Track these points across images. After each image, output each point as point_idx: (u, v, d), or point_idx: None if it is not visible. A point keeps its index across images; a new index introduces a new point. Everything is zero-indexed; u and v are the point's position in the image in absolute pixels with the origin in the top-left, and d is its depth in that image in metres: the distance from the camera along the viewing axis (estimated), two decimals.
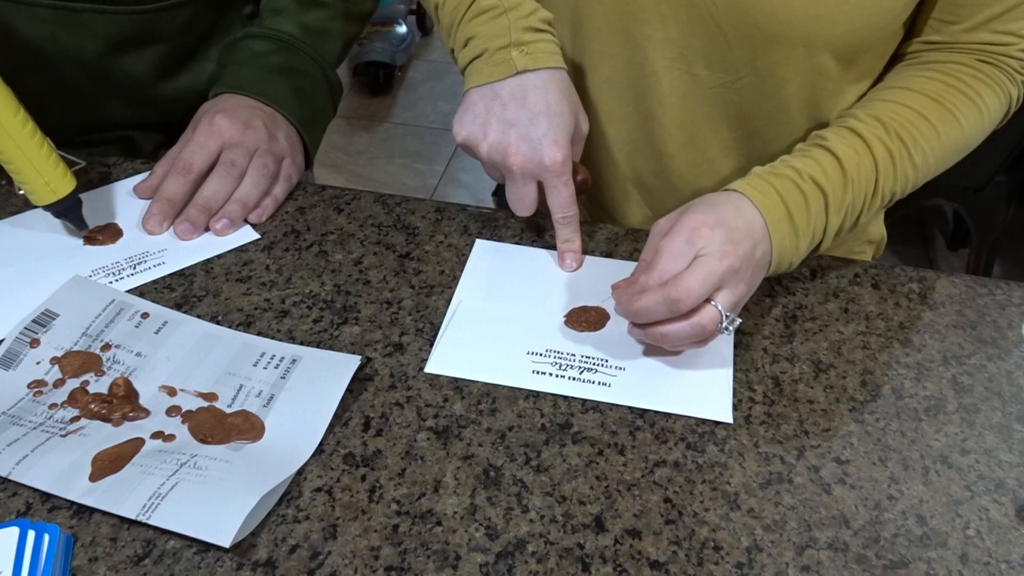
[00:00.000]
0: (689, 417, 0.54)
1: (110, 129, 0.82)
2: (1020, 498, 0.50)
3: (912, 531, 0.48)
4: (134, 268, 0.64)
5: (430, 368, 0.56)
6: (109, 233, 0.67)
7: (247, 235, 0.68)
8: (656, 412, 0.54)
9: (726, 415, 0.54)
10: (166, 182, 0.68)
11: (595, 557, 0.46)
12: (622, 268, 0.64)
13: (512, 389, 0.55)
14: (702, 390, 0.55)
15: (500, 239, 0.68)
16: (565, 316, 0.61)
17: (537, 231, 0.69)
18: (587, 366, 0.57)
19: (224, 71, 0.76)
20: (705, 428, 0.53)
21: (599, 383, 0.56)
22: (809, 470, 0.51)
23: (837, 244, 0.70)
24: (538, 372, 0.56)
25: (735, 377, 0.56)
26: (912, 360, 0.58)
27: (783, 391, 0.56)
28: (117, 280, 0.63)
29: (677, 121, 0.69)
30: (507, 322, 0.60)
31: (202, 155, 0.68)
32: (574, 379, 0.56)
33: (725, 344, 0.58)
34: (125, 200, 0.71)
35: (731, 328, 0.53)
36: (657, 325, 0.54)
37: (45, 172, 0.61)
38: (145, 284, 0.63)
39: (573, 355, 0.58)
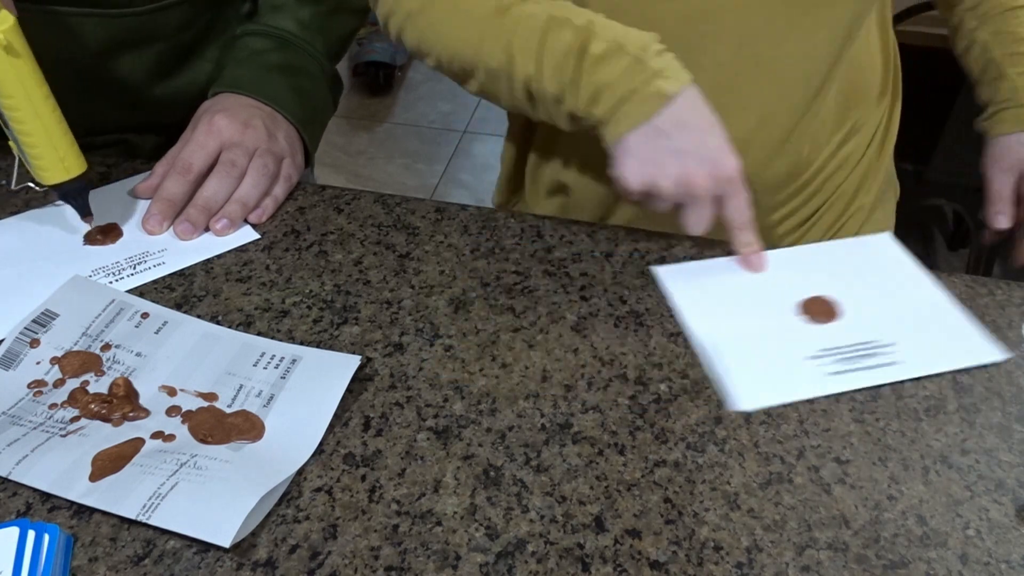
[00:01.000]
0: (691, 415, 0.54)
1: (107, 132, 0.81)
2: (1020, 498, 0.50)
3: (912, 531, 0.48)
4: (134, 268, 0.64)
5: (745, 406, 0.54)
6: (109, 233, 0.67)
7: (247, 235, 0.68)
8: (656, 412, 0.54)
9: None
10: (166, 182, 0.68)
11: (595, 557, 0.46)
12: (798, 255, 0.66)
13: (512, 388, 0.55)
14: (961, 339, 0.59)
15: (499, 240, 0.68)
16: (802, 312, 0.61)
17: (537, 233, 0.69)
18: (863, 352, 0.58)
19: (223, 70, 0.76)
20: (705, 428, 0.53)
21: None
22: (809, 470, 0.51)
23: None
24: (835, 373, 0.56)
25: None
26: None
27: None
28: (117, 280, 0.63)
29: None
30: (760, 336, 0.59)
31: (202, 155, 0.68)
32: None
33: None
34: (125, 200, 0.71)
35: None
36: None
37: (61, 148, 0.61)
38: (145, 284, 0.63)
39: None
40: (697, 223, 0.62)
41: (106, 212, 0.69)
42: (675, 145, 0.59)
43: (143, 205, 0.70)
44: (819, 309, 0.61)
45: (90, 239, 0.67)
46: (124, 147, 0.83)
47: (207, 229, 0.68)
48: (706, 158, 0.59)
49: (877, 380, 0.56)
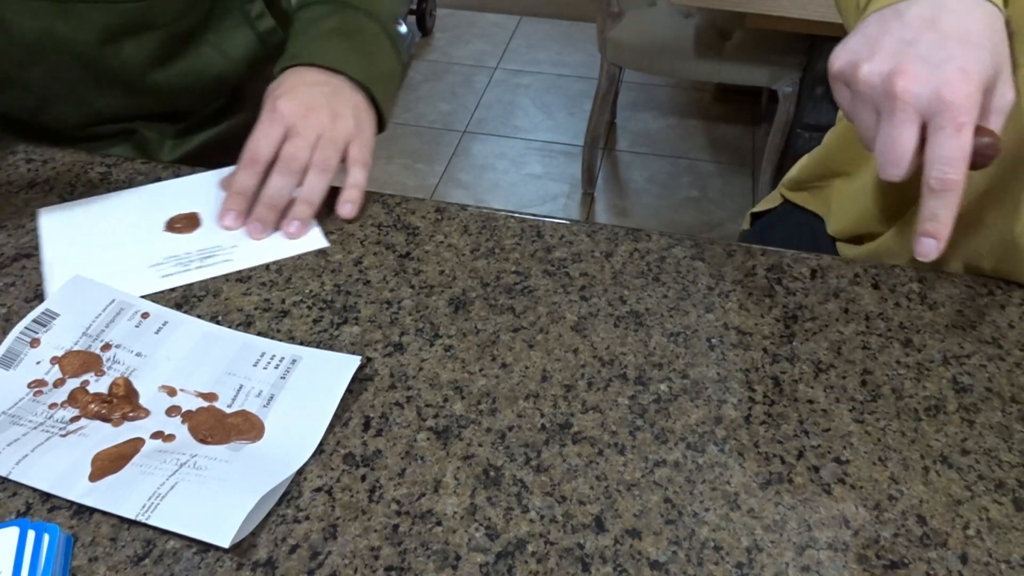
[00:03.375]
0: (691, 415, 0.54)
1: (113, 121, 0.81)
2: (1020, 498, 0.50)
3: (912, 531, 0.48)
4: (202, 261, 0.64)
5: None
6: (189, 222, 0.68)
7: (317, 242, 0.67)
8: (656, 411, 0.54)
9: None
10: (236, 175, 0.67)
11: (595, 557, 0.46)
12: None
13: (512, 388, 0.55)
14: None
15: (499, 240, 0.68)
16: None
17: (537, 233, 0.69)
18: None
19: (287, 46, 0.75)
20: (705, 428, 0.53)
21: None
22: (809, 470, 0.51)
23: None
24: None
25: (736, 377, 0.57)
26: (912, 360, 0.58)
27: (783, 391, 0.56)
28: (184, 270, 0.63)
29: None
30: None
31: (267, 144, 0.67)
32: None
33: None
34: (213, 191, 0.71)
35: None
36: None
37: None
38: (209, 279, 0.63)
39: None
40: (887, 149, 0.47)
41: (192, 201, 0.70)
42: (906, 35, 0.47)
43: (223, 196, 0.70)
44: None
45: (171, 225, 0.67)
46: (132, 137, 0.82)
47: (277, 227, 0.67)
48: (930, 61, 0.46)
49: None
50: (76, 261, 0.64)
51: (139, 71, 0.77)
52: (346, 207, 0.69)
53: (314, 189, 0.67)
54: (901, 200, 0.69)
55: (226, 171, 0.72)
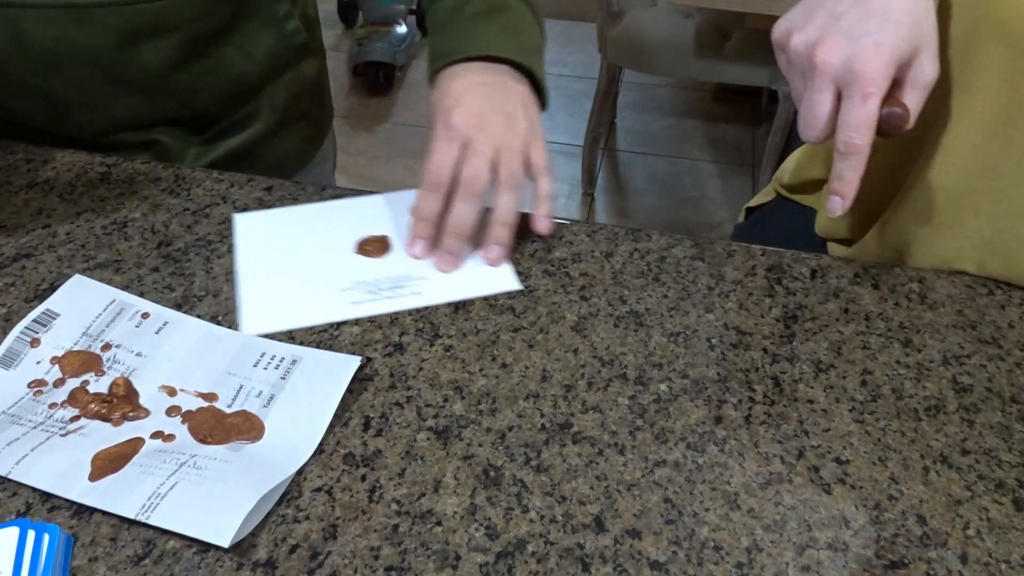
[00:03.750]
0: (691, 415, 0.54)
1: (135, 128, 0.80)
2: (1020, 498, 0.50)
3: (912, 531, 0.48)
4: (392, 291, 0.62)
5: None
6: (380, 246, 0.66)
7: (509, 283, 0.63)
8: (656, 411, 0.54)
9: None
10: (420, 200, 0.64)
11: (595, 557, 0.46)
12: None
13: (512, 388, 0.55)
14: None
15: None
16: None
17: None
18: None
19: (430, 45, 0.73)
20: (705, 428, 0.53)
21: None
22: (809, 470, 0.51)
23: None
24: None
25: (736, 377, 0.56)
26: (912, 360, 0.58)
27: (783, 391, 0.56)
28: (374, 299, 0.61)
29: None
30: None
31: (447, 164, 0.63)
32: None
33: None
34: (404, 212, 0.68)
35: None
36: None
37: None
38: (399, 312, 0.60)
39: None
40: (805, 113, 0.53)
41: (383, 222, 0.68)
42: (837, 10, 0.53)
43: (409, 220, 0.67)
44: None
45: (362, 247, 0.65)
46: (156, 149, 0.81)
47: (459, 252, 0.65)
48: (850, 34, 0.51)
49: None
50: (268, 273, 0.63)
51: (158, 74, 0.76)
52: (544, 222, 0.66)
53: (508, 210, 0.64)
54: (880, 203, 0.72)
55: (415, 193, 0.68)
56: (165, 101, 0.79)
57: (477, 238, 0.65)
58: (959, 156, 0.63)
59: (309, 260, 0.65)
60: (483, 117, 0.64)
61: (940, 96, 0.63)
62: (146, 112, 0.79)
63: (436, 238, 0.65)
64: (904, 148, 0.69)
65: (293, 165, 0.91)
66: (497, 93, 0.67)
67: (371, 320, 0.60)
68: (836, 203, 0.54)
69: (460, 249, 0.64)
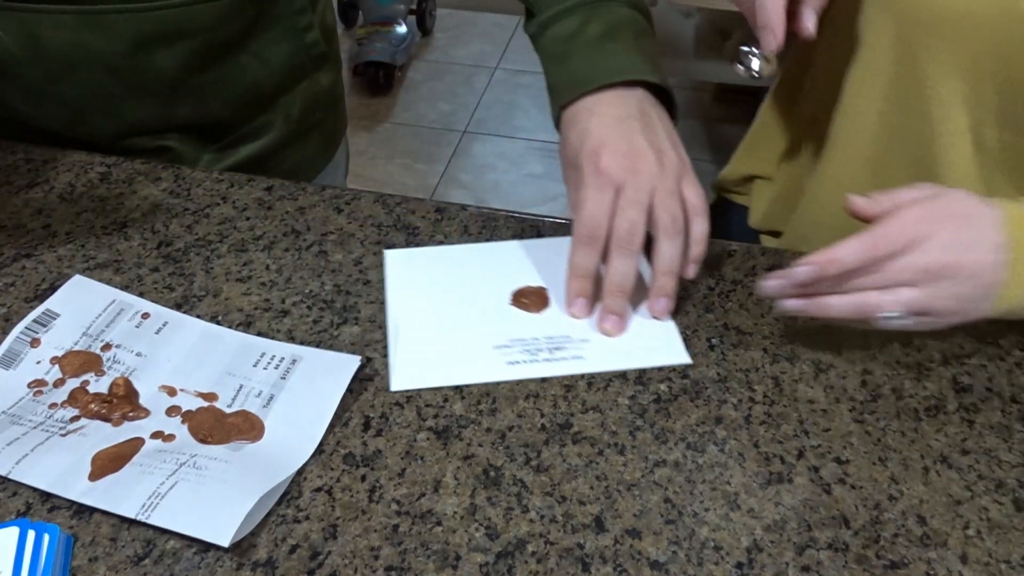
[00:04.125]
0: (691, 415, 0.54)
1: (149, 133, 0.80)
2: (1020, 498, 0.50)
3: (912, 531, 0.48)
4: (551, 352, 0.57)
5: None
6: (537, 299, 0.62)
7: (678, 355, 0.58)
8: (656, 411, 0.54)
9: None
10: (575, 254, 0.60)
11: (595, 557, 0.46)
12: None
13: (512, 388, 0.55)
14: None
15: (499, 239, 0.68)
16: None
17: (537, 233, 0.69)
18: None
19: (550, 79, 0.67)
20: (705, 428, 0.53)
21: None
22: (809, 470, 0.51)
23: None
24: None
25: (736, 377, 0.56)
26: (912, 360, 0.58)
27: (783, 391, 0.56)
28: (532, 360, 0.57)
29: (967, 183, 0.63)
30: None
31: (602, 214, 0.59)
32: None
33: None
34: (561, 261, 0.62)
35: (892, 323, 0.50)
36: (820, 296, 0.52)
37: None
38: (557, 376, 0.56)
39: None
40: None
41: (539, 271, 0.64)
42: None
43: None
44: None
45: (517, 299, 0.62)
46: (169, 156, 0.80)
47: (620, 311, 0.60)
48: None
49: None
50: (419, 322, 0.60)
51: (172, 79, 0.76)
52: (691, 268, 0.61)
53: (671, 258, 0.59)
54: (799, 192, 0.77)
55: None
56: (179, 107, 0.78)
57: (638, 294, 0.61)
58: (855, 147, 0.68)
59: (462, 310, 0.61)
60: (635, 157, 0.59)
61: (837, 81, 0.69)
62: (159, 117, 0.79)
63: (595, 293, 0.60)
64: (818, 133, 0.73)
65: (306, 175, 0.91)
66: (642, 125, 0.61)
67: (371, 320, 0.60)
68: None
69: (623, 308, 0.59)
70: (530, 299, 0.62)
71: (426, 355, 0.58)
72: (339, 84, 0.93)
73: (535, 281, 0.63)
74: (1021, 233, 0.50)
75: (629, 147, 0.60)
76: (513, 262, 0.65)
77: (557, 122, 0.65)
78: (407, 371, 0.56)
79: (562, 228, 0.69)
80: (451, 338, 0.59)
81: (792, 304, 0.54)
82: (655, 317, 0.60)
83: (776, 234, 0.83)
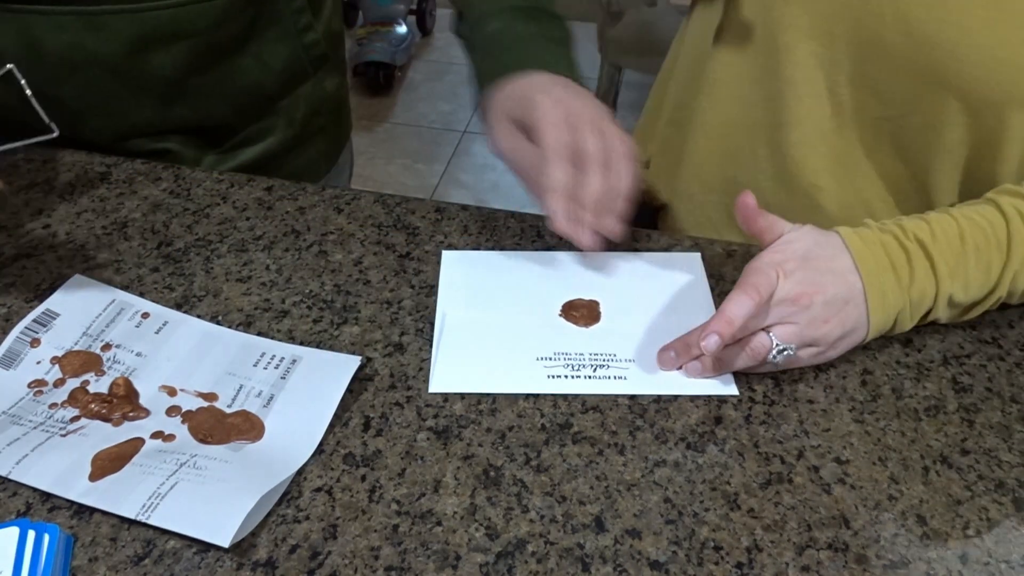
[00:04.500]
0: (691, 415, 0.54)
1: (149, 135, 0.80)
2: (1020, 498, 0.50)
3: (912, 531, 0.48)
4: (594, 370, 0.56)
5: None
6: (588, 313, 0.61)
7: (727, 388, 0.56)
8: (656, 412, 0.54)
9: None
10: (553, 170, 0.59)
11: (595, 557, 0.46)
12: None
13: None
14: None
15: (499, 240, 0.68)
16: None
17: (537, 233, 0.69)
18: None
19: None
20: (705, 428, 0.53)
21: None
22: (809, 470, 0.51)
23: None
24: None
25: (736, 377, 0.56)
26: (912, 360, 0.58)
27: (783, 391, 0.56)
28: (574, 376, 0.56)
29: (824, 151, 0.68)
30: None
31: (565, 132, 0.59)
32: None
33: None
34: (621, 276, 0.64)
35: (779, 358, 0.53)
36: (720, 360, 0.55)
37: None
38: (595, 394, 0.55)
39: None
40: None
41: (594, 283, 0.63)
42: None
43: (629, 290, 0.63)
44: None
45: (567, 312, 0.61)
46: (169, 159, 0.80)
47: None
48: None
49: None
50: (467, 325, 0.60)
51: (171, 80, 0.76)
52: (620, 204, 0.60)
53: (735, 311, 0.54)
54: (679, 160, 0.81)
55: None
56: (178, 108, 0.78)
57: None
58: (723, 112, 0.75)
59: (511, 317, 0.61)
60: (577, 96, 0.62)
61: (705, 51, 0.74)
62: (159, 119, 0.79)
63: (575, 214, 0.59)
64: (689, 105, 0.78)
65: (310, 180, 0.91)
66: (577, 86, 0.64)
67: (371, 320, 0.60)
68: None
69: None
70: (580, 312, 0.61)
71: (468, 359, 0.57)
72: (344, 89, 0.93)
73: (588, 294, 0.62)
74: (861, 246, 0.55)
75: (569, 88, 0.62)
76: (568, 273, 0.64)
77: (478, 101, 0.67)
78: (447, 373, 0.56)
79: None
80: (495, 344, 0.58)
81: (702, 372, 0.56)
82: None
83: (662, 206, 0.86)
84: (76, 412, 0.53)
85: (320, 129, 0.89)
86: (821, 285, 0.53)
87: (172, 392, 0.55)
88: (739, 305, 0.52)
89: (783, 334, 0.53)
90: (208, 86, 0.78)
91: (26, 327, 0.58)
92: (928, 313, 0.57)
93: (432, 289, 0.63)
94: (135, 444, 0.51)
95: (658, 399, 0.55)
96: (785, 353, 0.53)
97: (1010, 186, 0.58)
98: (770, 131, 0.71)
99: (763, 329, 0.54)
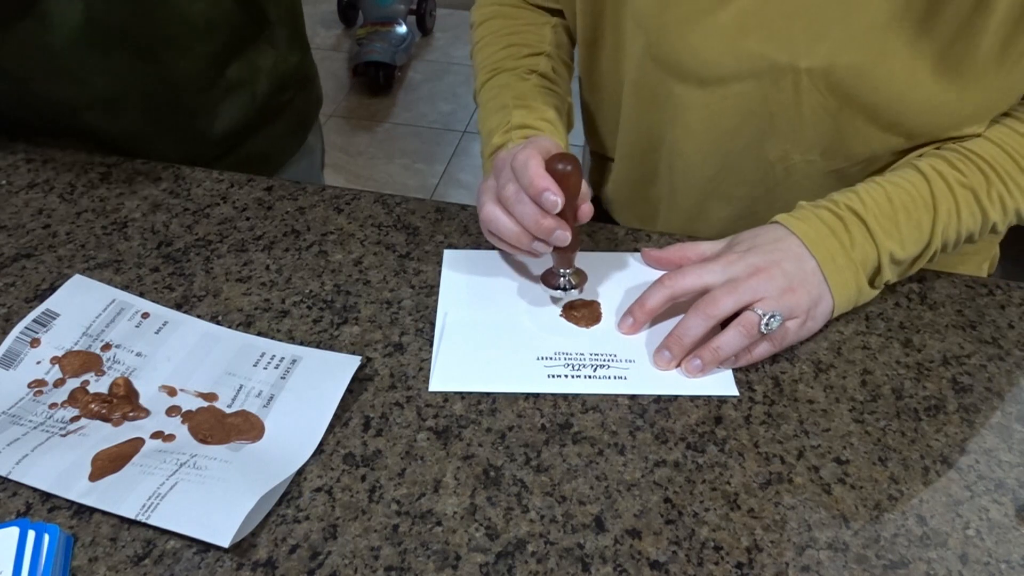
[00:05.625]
0: (691, 415, 0.54)
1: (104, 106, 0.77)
2: (1020, 498, 0.50)
3: (912, 531, 0.48)
4: (594, 370, 0.56)
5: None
6: (589, 314, 0.61)
7: (727, 387, 0.56)
8: (656, 412, 0.54)
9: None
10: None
11: (595, 557, 0.46)
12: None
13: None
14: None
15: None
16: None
17: None
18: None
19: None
20: (705, 428, 0.53)
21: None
22: (809, 470, 0.51)
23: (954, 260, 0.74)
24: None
25: (736, 377, 0.56)
26: (912, 360, 0.58)
27: (783, 391, 0.56)
28: (574, 375, 0.56)
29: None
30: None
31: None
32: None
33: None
34: (621, 278, 0.64)
35: (772, 324, 0.56)
36: (708, 343, 0.56)
37: None
38: (595, 394, 0.55)
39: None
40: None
41: (596, 284, 0.63)
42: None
43: (631, 292, 0.63)
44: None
45: (568, 312, 0.61)
46: (126, 140, 0.79)
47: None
48: None
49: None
50: (467, 325, 0.60)
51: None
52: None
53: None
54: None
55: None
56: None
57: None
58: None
59: (512, 317, 0.61)
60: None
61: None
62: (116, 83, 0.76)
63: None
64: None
65: (278, 159, 0.91)
66: None
67: (371, 320, 0.60)
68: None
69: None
70: (581, 313, 0.61)
71: (468, 358, 0.57)
72: (309, 64, 0.93)
73: (589, 295, 0.62)
74: (799, 224, 0.59)
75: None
76: None
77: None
78: (448, 372, 0.56)
79: None
80: (496, 344, 0.59)
81: (702, 369, 0.57)
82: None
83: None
84: (76, 412, 0.53)
85: (286, 105, 0.89)
86: (777, 260, 0.57)
87: (172, 392, 0.55)
88: (655, 297, 0.59)
89: (764, 306, 0.56)
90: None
91: (26, 327, 0.58)
92: (878, 275, 0.60)
93: (432, 289, 0.63)
94: (135, 444, 0.51)
95: (658, 399, 0.55)
96: (775, 319, 0.55)
97: (930, 149, 0.63)
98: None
99: (746, 309, 0.56)
